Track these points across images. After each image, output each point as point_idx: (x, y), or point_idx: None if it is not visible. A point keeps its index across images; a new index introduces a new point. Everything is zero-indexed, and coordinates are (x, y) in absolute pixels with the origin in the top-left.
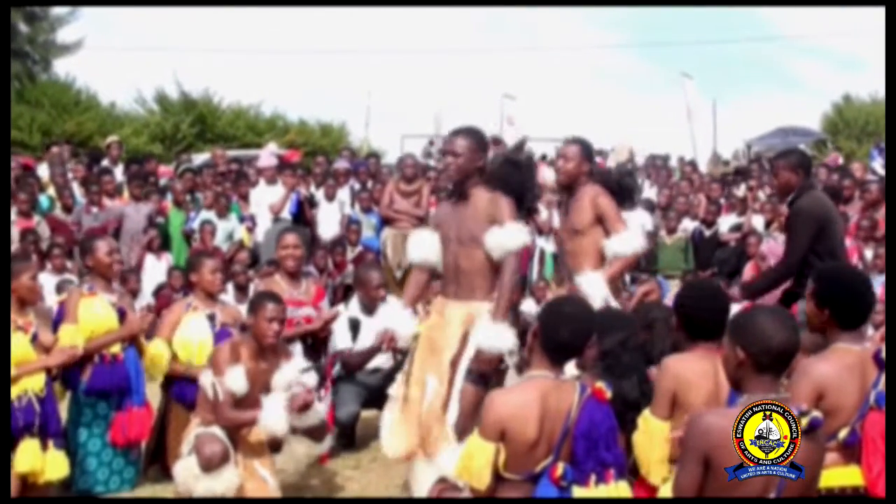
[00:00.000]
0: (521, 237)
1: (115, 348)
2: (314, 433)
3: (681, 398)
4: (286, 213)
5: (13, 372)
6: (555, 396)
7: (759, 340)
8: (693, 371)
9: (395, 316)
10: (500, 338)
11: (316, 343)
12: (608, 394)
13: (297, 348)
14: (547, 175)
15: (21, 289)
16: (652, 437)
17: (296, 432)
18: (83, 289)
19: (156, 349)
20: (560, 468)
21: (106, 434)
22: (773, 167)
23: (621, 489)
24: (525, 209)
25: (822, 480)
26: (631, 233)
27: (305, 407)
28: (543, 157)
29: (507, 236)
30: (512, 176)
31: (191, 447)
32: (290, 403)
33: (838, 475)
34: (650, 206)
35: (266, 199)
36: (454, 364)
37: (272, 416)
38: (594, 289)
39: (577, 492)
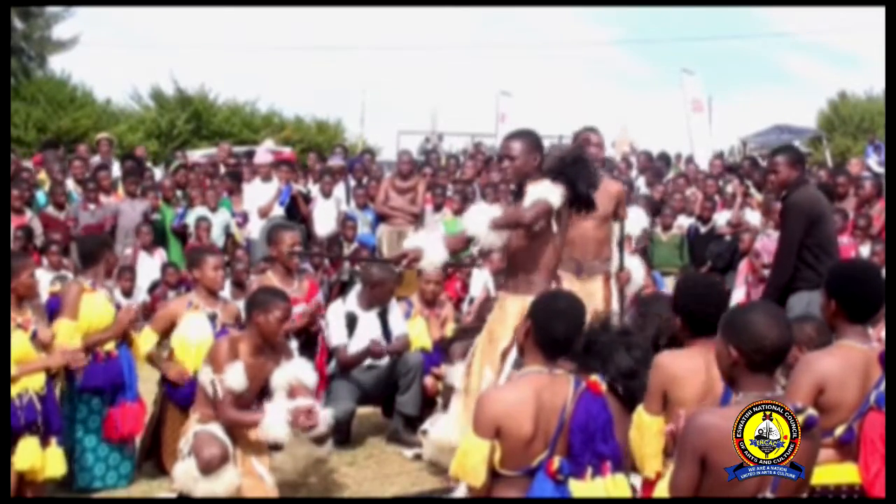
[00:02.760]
0: (549, 191)
1: (109, 345)
2: (319, 438)
3: (671, 394)
4: (278, 208)
5: (14, 371)
6: (549, 391)
7: (752, 339)
8: (683, 368)
9: (427, 239)
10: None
11: (309, 338)
12: (603, 386)
13: (294, 345)
14: None
15: (20, 287)
16: (644, 432)
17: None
18: (85, 283)
19: (140, 337)
20: (556, 462)
21: (101, 430)
22: (772, 163)
23: (618, 482)
24: (581, 205)
25: (817, 477)
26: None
27: (310, 428)
28: None
29: (538, 190)
30: (567, 171)
31: (189, 447)
32: (293, 420)
33: (833, 472)
34: (652, 205)
35: (260, 195)
36: (504, 355)
37: (275, 425)
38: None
39: (574, 485)
